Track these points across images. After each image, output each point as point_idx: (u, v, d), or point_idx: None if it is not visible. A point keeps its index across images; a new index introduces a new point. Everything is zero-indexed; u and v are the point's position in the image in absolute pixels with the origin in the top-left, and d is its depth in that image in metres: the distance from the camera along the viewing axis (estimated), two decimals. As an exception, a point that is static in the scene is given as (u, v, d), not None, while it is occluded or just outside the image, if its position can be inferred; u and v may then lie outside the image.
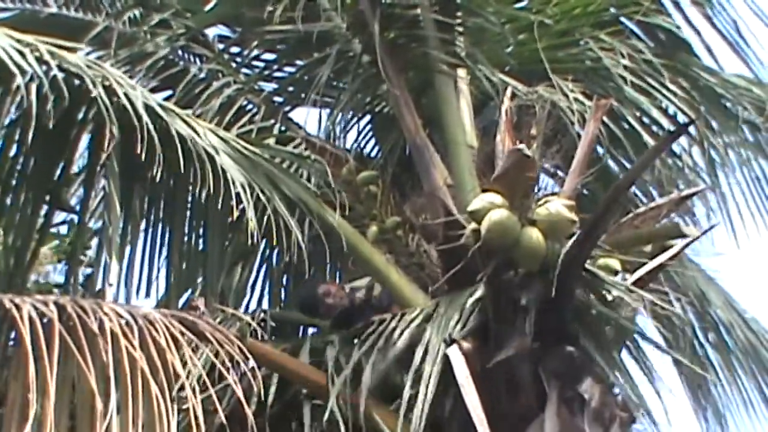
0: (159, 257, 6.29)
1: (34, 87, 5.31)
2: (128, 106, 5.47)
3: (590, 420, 5.60)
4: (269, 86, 7.60)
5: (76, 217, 6.44)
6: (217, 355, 5.11)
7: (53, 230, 7.35)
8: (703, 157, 7.35)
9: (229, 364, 5.08)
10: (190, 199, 6.21)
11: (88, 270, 7.11)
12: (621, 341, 5.98)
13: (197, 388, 4.86)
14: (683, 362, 7.30)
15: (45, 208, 6.08)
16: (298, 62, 7.50)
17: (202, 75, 7.33)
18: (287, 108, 7.54)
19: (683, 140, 7.22)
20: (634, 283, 5.82)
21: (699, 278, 7.71)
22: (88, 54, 6.95)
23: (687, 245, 6.12)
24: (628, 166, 7.07)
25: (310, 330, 7.16)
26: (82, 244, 6.45)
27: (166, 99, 6.85)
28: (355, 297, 6.56)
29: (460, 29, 6.96)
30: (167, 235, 6.29)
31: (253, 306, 7.51)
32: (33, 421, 4.40)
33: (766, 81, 7.60)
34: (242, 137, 6.23)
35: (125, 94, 5.53)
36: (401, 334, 5.85)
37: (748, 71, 7.57)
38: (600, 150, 6.82)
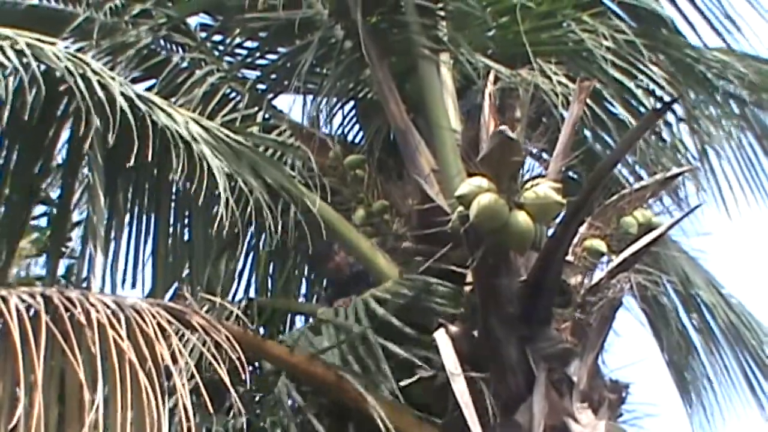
0: (145, 247, 6.28)
1: (13, 81, 5.28)
2: (104, 98, 5.44)
3: (579, 402, 5.62)
4: (252, 74, 7.58)
5: (56, 210, 6.41)
6: (205, 344, 5.10)
7: (33, 223, 7.35)
8: (690, 137, 7.36)
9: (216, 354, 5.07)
10: (174, 188, 6.20)
11: (70, 262, 7.13)
12: (607, 323, 5.97)
13: (185, 377, 4.84)
14: (668, 343, 7.33)
15: (27, 201, 6.07)
16: (281, 49, 7.48)
17: (185, 64, 7.30)
18: (271, 95, 7.52)
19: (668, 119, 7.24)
20: (620, 265, 5.84)
21: (682, 259, 7.72)
22: (68, 46, 6.92)
23: (672, 226, 6.13)
24: (613, 147, 7.06)
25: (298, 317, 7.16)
26: (63, 237, 6.42)
27: (149, 89, 6.84)
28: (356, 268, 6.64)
29: (442, 13, 6.95)
30: (153, 225, 6.28)
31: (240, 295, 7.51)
32: (22, 413, 4.39)
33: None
34: (226, 126, 6.21)
35: (104, 86, 5.50)
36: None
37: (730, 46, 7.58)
38: (585, 132, 6.84)
